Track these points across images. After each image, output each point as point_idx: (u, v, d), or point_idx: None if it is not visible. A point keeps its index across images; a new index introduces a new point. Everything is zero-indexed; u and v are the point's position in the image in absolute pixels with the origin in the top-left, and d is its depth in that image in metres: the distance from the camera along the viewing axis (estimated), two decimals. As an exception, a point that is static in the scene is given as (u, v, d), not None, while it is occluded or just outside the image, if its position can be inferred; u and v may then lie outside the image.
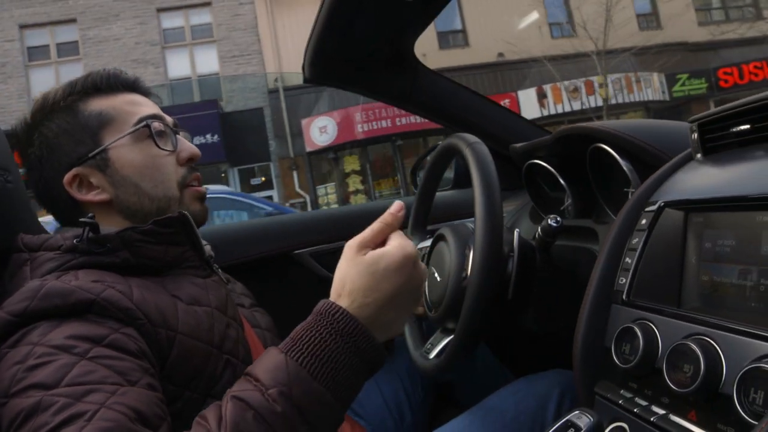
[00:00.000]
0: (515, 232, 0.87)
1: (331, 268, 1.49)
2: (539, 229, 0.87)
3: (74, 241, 0.74)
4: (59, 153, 0.83)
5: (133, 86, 0.90)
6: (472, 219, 0.84)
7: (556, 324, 0.94)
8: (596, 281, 0.76)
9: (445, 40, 13.95)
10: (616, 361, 0.67)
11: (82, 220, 0.74)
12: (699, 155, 0.81)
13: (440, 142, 1.07)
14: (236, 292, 0.99)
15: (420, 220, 1.15)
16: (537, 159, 1.24)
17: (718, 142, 0.79)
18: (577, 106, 13.69)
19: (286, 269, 1.50)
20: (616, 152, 0.96)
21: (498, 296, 0.85)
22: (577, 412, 0.55)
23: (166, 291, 0.77)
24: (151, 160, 0.85)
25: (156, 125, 0.86)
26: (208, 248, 0.91)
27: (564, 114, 13.61)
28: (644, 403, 0.63)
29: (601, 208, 1.12)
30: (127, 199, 0.84)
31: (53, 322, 0.64)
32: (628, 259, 0.75)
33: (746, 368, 0.50)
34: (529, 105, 13.44)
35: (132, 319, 0.68)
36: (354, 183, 13.27)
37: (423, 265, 0.68)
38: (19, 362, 0.60)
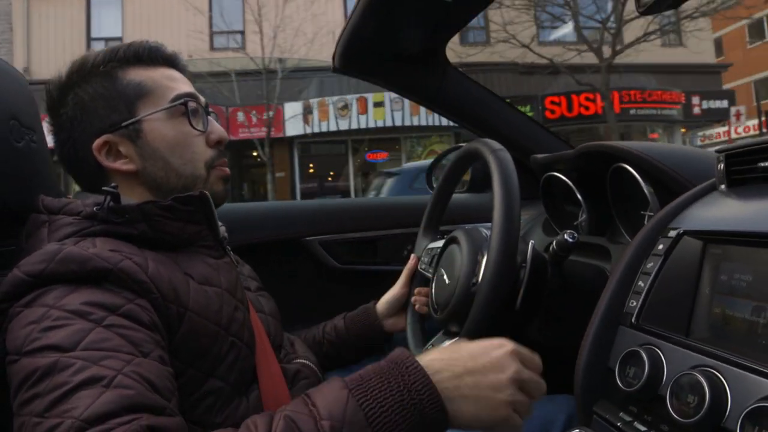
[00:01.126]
0: (530, 244, 0.87)
1: (339, 258, 1.53)
2: (554, 243, 0.87)
3: (94, 208, 0.75)
4: (93, 117, 0.82)
5: (172, 61, 0.90)
6: (486, 224, 0.84)
7: (561, 338, 0.94)
8: (607, 301, 0.76)
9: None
10: (619, 384, 0.66)
11: (104, 188, 0.75)
12: (723, 186, 0.80)
13: (462, 145, 1.07)
14: (244, 274, 1.00)
15: (433, 220, 1.15)
16: (556, 171, 1.24)
17: (744, 175, 0.78)
18: (344, 125, 12.68)
19: (294, 255, 1.50)
20: (639, 174, 0.96)
21: (506, 305, 0.85)
22: (576, 431, 0.55)
23: (179, 267, 0.77)
24: (183, 138, 0.85)
25: (191, 104, 0.86)
26: (222, 229, 0.91)
27: (329, 133, 12.65)
28: (643, 429, 0.63)
29: (615, 228, 1.11)
30: (154, 173, 0.84)
31: (69, 286, 0.65)
32: (641, 283, 0.74)
33: (752, 406, 0.50)
34: (294, 121, 12.53)
35: (146, 292, 0.69)
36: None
37: (522, 368, 0.64)
38: (34, 322, 0.61)
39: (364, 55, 1.29)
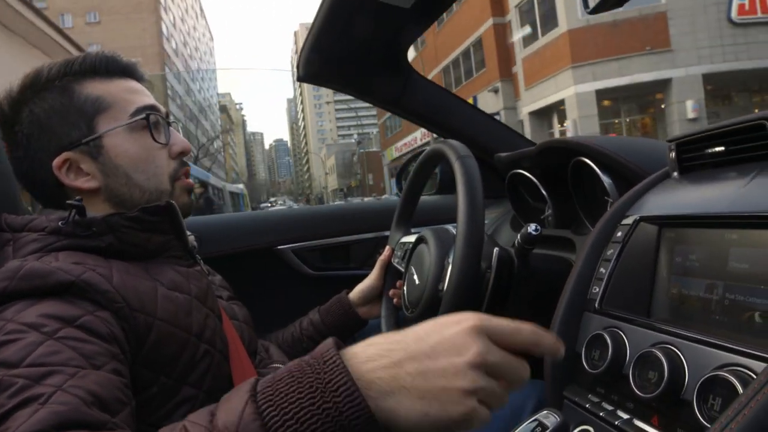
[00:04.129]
0: (495, 252, 0.89)
1: (311, 265, 1.53)
2: (519, 236, 0.90)
3: (59, 223, 0.74)
4: (50, 134, 0.80)
5: (130, 71, 0.88)
6: (454, 224, 0.86)
7: None
8: (570, 289, 0.79)
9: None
10: (586, 367, 0.69)
11: (69, 202, 0.74)
12: (675, 173, 0.84)
13: (427, 148, 1.09)
14: (215, 284, 0.99)
15: (405, 214, 1.17)
16: (521, 169, 1.27)
17: (694, 162, 0.82)
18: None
19: (267, 264, 1.51)
20: (597, 166, 0.99)
21: (472, 308, 0.87)
22: (545, 411, 0.57)
23: (148, 275, 0.77)
24: (145, 153, 0.84)
25: (152, 117, 0.85)
26: (191, 239, 0.91)
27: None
28: (610, 408, 0.66)
29: (580, 220, 1.15)
30: (117, 189, 0.83)
31: (30, 300, 0.64)
32: (602, 269, 0.77)
33: (706, 376, 0.53)
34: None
35: (110, 303, 0.67)
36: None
37: (490, 345, 0.48)
38: None
39: (327, 64, 1.30)
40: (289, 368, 0.48)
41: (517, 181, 1.34)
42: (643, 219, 0.77)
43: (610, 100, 19.07)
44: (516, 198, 1.37)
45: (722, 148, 0.76)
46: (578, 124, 17.48)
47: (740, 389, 0.49)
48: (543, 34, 18.11)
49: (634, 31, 16.42)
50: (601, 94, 17.67)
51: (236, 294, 1.05)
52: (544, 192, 1.21)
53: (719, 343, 0.56)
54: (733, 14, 16.47)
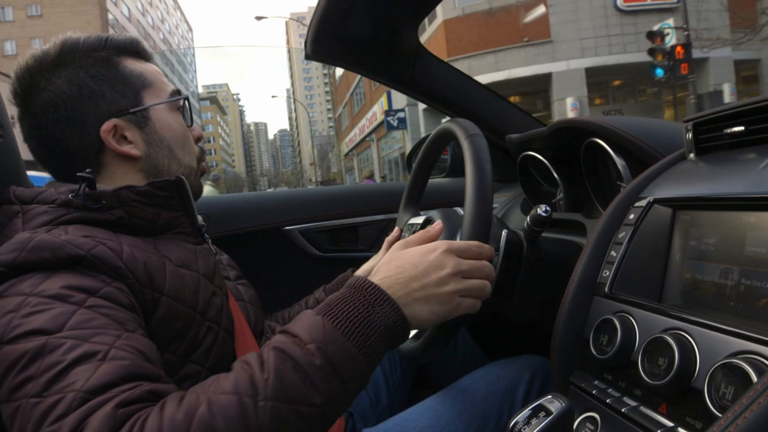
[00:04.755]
0: (503, 233, 0.87)
1: (319, 246, 1.52)
2: (528, 218, 0.87)
3: (69, 195, 0.74)
4: (99, 99, 0.81)
5: (153, 59, 0.92)
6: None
7: (537, 314, 0.95)
8: (580, 272, 0.76)
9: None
10: (594, 352, 0.67)
11: (79, 174, 0.74)
12: (692, 155, 0.81)
13: (437, 128, 1.06)
14: (222, 263, 0.99)
15: (414, 195, 1.15)
16: (532, 151, 1.24)
17: (711, 143, 0.79)
18: None
19: (275, 244, 1.50)
20: (610, 147, 0.96)
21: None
22: (549, 396, 0.55)
23: (156, 251, 0.77)
24: (183, 130, 0.90)
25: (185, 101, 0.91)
26: (200, 218, 0.91)
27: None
28: (617, 395, 0.64)
29: (591, 203, 1.12)
30: (159, 159, 0.86)
31: (43, 273, 0.64)
32: (613, 253, 0.75)
33: (719, 363, 0.51)
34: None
35: (121, 277, 0.68)
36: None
37: (458, 260, 0.70)
38: (11, 311, 0.60)
39: (335, 42, 1.28)
40: (338, 296, 0.65)
41: (528, 164, 1.31)
42: (656, 201, 0.74)
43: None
44: (527, 181, 1.34)
45: (741, 128, 0.73)
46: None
47: (755, 378, 0.47)
48: (429, 25, 17.00)
49: (512, 20, 15.07)
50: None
51: (243, 274, 1.05)
52: (555, 175, 1.18)
53: (733, 329, 0.54)
54: (620, 1, 15.32)
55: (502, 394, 0.93)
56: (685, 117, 0.83)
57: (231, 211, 1.46)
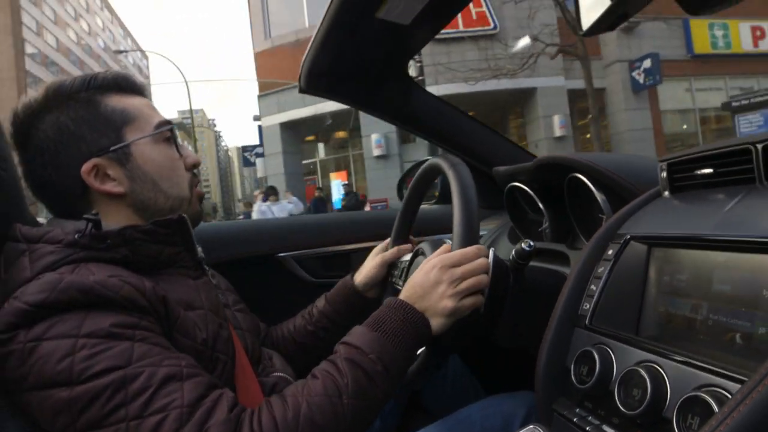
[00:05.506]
0: (490, 252, 0.91)
1: (313, 272, 1.56)
2: (513, 252, 0.92)
3: (75, 236, 0.77)
4: (80, 141, 0.84)
5: (142, 90, 0.94)
6: (450, 235, 0.89)
7: (523, 341, 0.99)
8: (562, 305, 0.81)
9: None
10: (574, 382, 0.71)
11: (85, 216, 0.78)
12: (666, 192, 0.86)
13: (429, 158, 1.12)
14: (221, 288, 1.03)
15: (402, 233, 1.20)
16: (519, 182, 1.29)
17: (684, 182, 0.84)
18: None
19: (270, 270, 1.53)
20: (591, 183, 1.02)
21: (470, 313, 0.89)
22: (531, 426, 0.59)
23: (161, 288, 0.79)
24: (169, 162, 0.91)
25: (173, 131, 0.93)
26: (199, 250, 0.94)
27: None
28: (597, 422, 0.68)
29: (575, 234, 1.17)
30: (144, 194, 0.88)
31: (78, 314, 0.68)
32: (593, 286, 0.80)
33: (686, 395, 0.55)
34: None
35: (148, 312, 0.74)
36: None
37: (452, 271, 0.85)
38: (68, 355, 0.64)
39: (328, 77, 1.33)
40: (381, 314, 0.84)
41: (516, 194, 1.36)
42: (633, 238, 0.79)
43: (315, 135, 17.14)
44: (515, 210, 1.39)
45: (710, 170, 0.78)
46: (266, 164, 16.10)
47: (716, 409, 0.51)
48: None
49: None
50: (289, 127, 15.75)
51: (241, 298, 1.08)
52: (541, 206, 1.23)
53: (700, 363, 0.58)
54: None
55: (498, 428, 0.96)
56: (661, 157, 0.89)
57: (226, 238, 1.50)
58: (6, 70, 37.35)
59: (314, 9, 15.06)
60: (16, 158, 0.88)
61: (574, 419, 0.70)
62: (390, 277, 1.20)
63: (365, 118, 14.25)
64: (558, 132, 14.82)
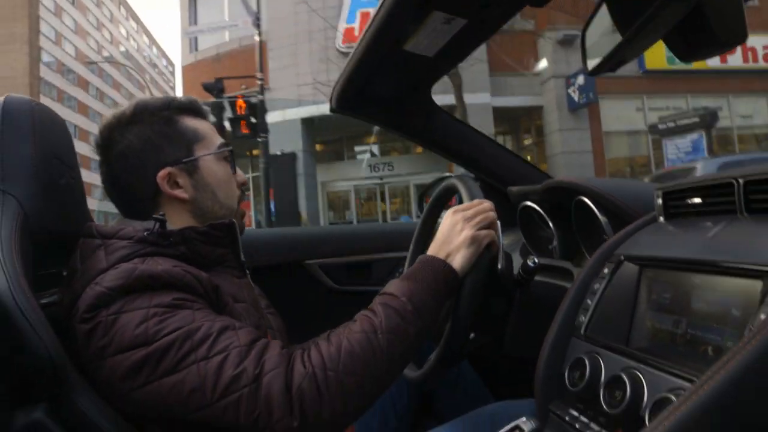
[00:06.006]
0: (501, 244, 1.01)
1: (337, 280, 1.67)
2: (520, 267, 1.01)
3: (144, 233, 0.89)
4: (159, 151, 0.98)
5: (206, 116, 1.09)
6: None
7: (529, 350, 1.08)
8: (561, 316, 0.90)
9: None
10: (568, 385, 0.80)
11: (154, 216, 0.90)
12: (661, 218, 0.95)
13: (447, 174, 1.22)
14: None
15: (419, 246, 1.29)
16: (530, 201, 1.38)
17: (678, 209, 0.93)
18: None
19: (296, 277, 1.64)
20: (595, 206, 1.10)
21: (479, 323, 0.99)
22: (524, 418, 0.68)
23: (215, 281, 0.92)
24: (227, 177, 1.06)
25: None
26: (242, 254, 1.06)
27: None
28: (586, 421, 0.77)
29: (581, 252, 1.25)
30: (203, 202, 1.01)
31: (147, 294, 0.81)
32: (589, 301, 0.88)
33: (658, 397, 0.64)
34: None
35: (202, 297, 0.86)
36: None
37: (464, 212, 0.98)
38: (143, 321, 0.78)
39: (358, 98, 1.44)
40: (415, 268, 0.95)
41: (529, 212, 1.45)
42: (627, 258, 0.88)
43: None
44: (526, 227, 1.48)
45: (699, 200, 0.87)
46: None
47: (680, 408, 0.60)
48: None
49: (235, 64, 13.62)
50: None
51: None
52: (551, 224, 1.32)
53: (675, 371, 0.67)
54: (339, 42, 13.72)
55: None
56: (657, 185, 0.97)
57: (256, 245, 1.61)
58: (20, 77, 38.80)
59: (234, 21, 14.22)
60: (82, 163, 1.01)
61: (567, 418, 0.79)
62: None
63: (277, 133, 12.65)
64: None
